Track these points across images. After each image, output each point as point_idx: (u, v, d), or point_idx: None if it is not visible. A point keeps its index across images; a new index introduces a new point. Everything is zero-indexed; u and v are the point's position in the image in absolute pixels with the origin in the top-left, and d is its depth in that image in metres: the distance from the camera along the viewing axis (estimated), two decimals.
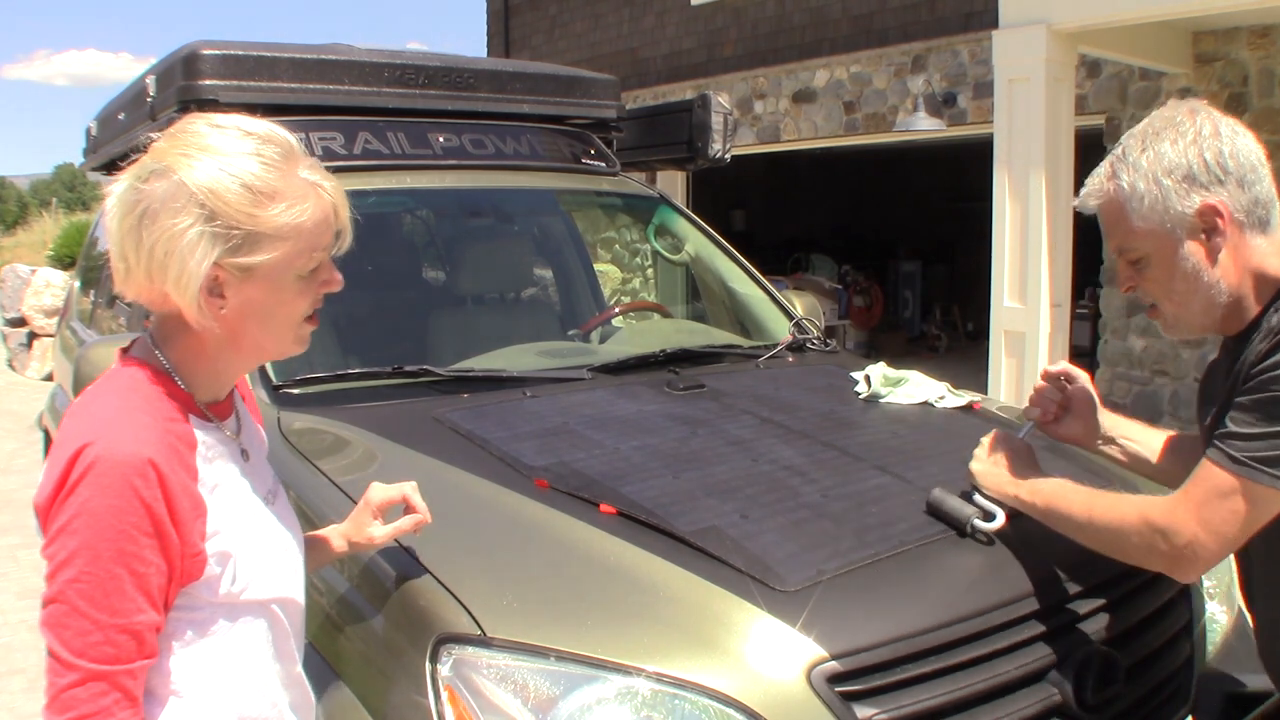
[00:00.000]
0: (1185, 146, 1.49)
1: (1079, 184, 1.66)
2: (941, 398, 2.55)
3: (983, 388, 5.13)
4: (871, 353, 10.88)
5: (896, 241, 14.32)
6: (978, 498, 1.78)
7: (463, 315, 3.25)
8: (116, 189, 1.22)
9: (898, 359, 3.47)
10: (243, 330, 1.25)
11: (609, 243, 11.36)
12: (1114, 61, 6.98)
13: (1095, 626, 1.75)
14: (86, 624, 1.11)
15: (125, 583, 1.13)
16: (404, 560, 1.62)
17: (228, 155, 1.20)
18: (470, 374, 2.47)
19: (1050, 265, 5.48)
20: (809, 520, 1.78)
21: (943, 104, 8.16)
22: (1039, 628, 1.68)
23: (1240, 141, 1.51)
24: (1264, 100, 6.54)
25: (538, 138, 3.29)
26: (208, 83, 2.74)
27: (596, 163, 3.39)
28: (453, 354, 2.67)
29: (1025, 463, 1.76)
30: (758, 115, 9.93)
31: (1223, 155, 1.48)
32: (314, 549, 1.55)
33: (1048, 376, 1.88)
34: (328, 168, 1.32)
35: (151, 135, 1.27)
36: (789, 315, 3.19)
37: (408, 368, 2.43)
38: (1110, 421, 1.87)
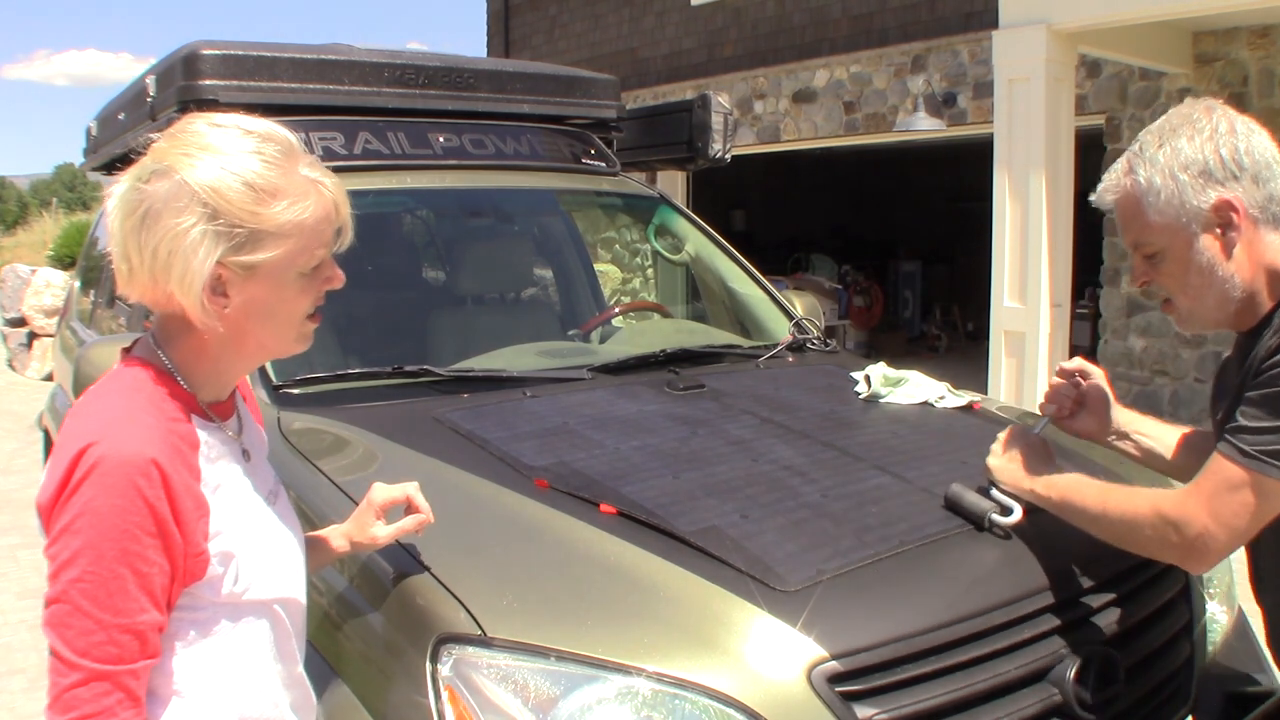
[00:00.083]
0: (1202, 143, 1.52)
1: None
2: (941, 398, 2.55)
3: (983, 388, 5.13)
4: (871, 353, 10.88)
5: (896, 241, 14.32)
6: (995, 493, 1.81)
7: (463, 315, 3.25)
8: (118, 190, 1.22)
9: (898, 359, 3.47)
10: (246, 329, 1.25)
11: (609, 243, 11.36)
12: (1114, 61, 6.99)
13: (1095, 626, 1.75)
14: (89, 624, 1.11)
15: (128, 582, 1.13)
16: (404, 560, 1.62)
17: (229, 154, 1.20)
18: (470, 374, 2.47)
19: (1050, 265, 5.48)
20: (809, 520, 1.78)
21: (943, 104, 8.17)
22: (1039, 628, 1.68)
23: (1256, 139, 1.54)
24: (1264, 100, 6.54)
25: (538, 138, 3.29)
26: (208, 83, 2.74)
27: (596, 163, 3.39)
28: (453, 354, 2.67)
29: (1041, 458, 1.79)
30: (758, 115, 9.93)
31: (1238, 152, 1.51)
32: (315, 549, 1.55)
33: (1063, 373, 1.90)
34: (328, 168, 1.32)
35: (152, 135, 1.27)
36: (789, 315, 3.19)
37: (408, 368, 2.43)
38: (1125, 417, 1.89)
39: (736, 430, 2.19)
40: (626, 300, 10.36)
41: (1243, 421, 1.48)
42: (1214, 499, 1.48)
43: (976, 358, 8.25)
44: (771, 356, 2.86)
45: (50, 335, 9.45)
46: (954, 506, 1.83)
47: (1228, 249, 1.53)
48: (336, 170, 1.35)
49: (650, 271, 11.19)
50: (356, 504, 1.62)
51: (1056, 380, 1.90)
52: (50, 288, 11.04)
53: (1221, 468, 1.48)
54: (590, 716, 1.40)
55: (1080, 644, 1.70)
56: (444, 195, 3.19)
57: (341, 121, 2.92)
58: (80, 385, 2.01)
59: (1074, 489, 1.70)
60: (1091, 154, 7.25)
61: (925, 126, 7.85)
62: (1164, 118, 1.60)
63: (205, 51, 2.77)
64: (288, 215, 1.22)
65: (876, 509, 1.84)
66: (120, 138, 3.59)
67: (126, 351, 1.30)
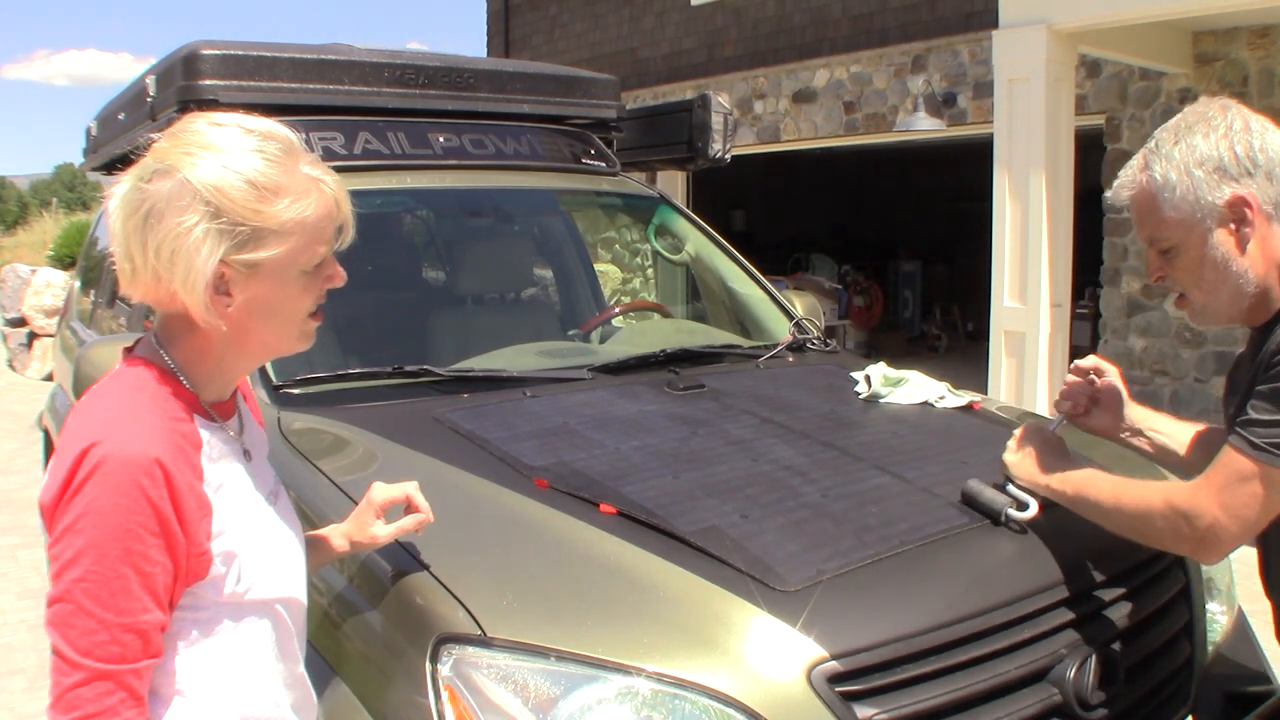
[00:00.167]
0: (1217, 140, 1.55)
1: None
2: (941, 398, 2.55)
3: (983, 388, 5.13)
4: (871, 353, 10.88)
5: (896, 241, 14.32)
6: (1011, 488, 1.84)
7: (463, 315, 3.25)
8: (119, 190, 1.22)
9: (898, 359, 3.47)
10: (249, 327, 1.25)
11: (609, 243, 11.36)
12: (1114, 61, 6.99)
13: (1095, 627, 1.75)
14: (92, 623, 1.11)
15: (131, 582, 1.13)
16: (404, 560, 1.62)
17: (230, 152, 1.20)
18: (470, 374, 2.47)
19: (1050, 265, 5.48)
20: (809, 520, 1.78)
21: (943, 104, 8.17)
22: (1039, 627, 1.68)
23: (1270, 137, 1.56)
24: (1264, 100, 6.54)
25: (538, 138, 3.29)
26: (208, 83, 2.74)
27: (596, 163, 3.39)
28: (453, 354, 2.67)
29: (1056, 454, 1.83)
30: (758, 115, 9.93)
31: (1253, 149, 1.54)
32: (315, 548, 1.55)
33: (1078, 370, 1.93)
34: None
35: (152, 135, 1.27)
36: (789, 315, 3.19)
37: (408, 368, 2.43)
38: (1139, 414, 1.92)
39: (736, 430, 2.19)
40: (626, 300, 10.36)
41: (1253, 415, 1.51)
42: (1224, 490, 1.51)
43: (976, 358, 8.26)
44: (771, 356, 2.86)
45: (50, 335, 9.45)
46: (971, 501, 1.86)
47: (1242, 244, 1.56)
48: (336, 170, 1.35)
49: (650, 271, 11.19)
50: (356, 504, 1.62)
51: (1072, 378, 1.94)
52: (50, 288, 11.04)
53: (1232, 460, 1.51)
54: (590, 716, 1.40)
55: (1080, 644, 1.70)
56: (444, 195, 3.19)
57: (341, 121, 2.92)
58: (80, 385, 2.01)
59: (1088, 483, 1.73)
60: (1091, 154, 7.26)
61: (925, 126, 7.85)
62: (1179, 115, 1.62)
63: (205, 51, 2.77)
64: (290, 213, 1.22)
65: (876, 509, 1.84)
66: (120, 138, 3.59)
67: (129, 351, 1.30)
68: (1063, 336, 5.66)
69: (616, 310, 4.00)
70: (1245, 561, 2.21)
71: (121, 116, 3.63)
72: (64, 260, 11.89)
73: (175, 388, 1.25)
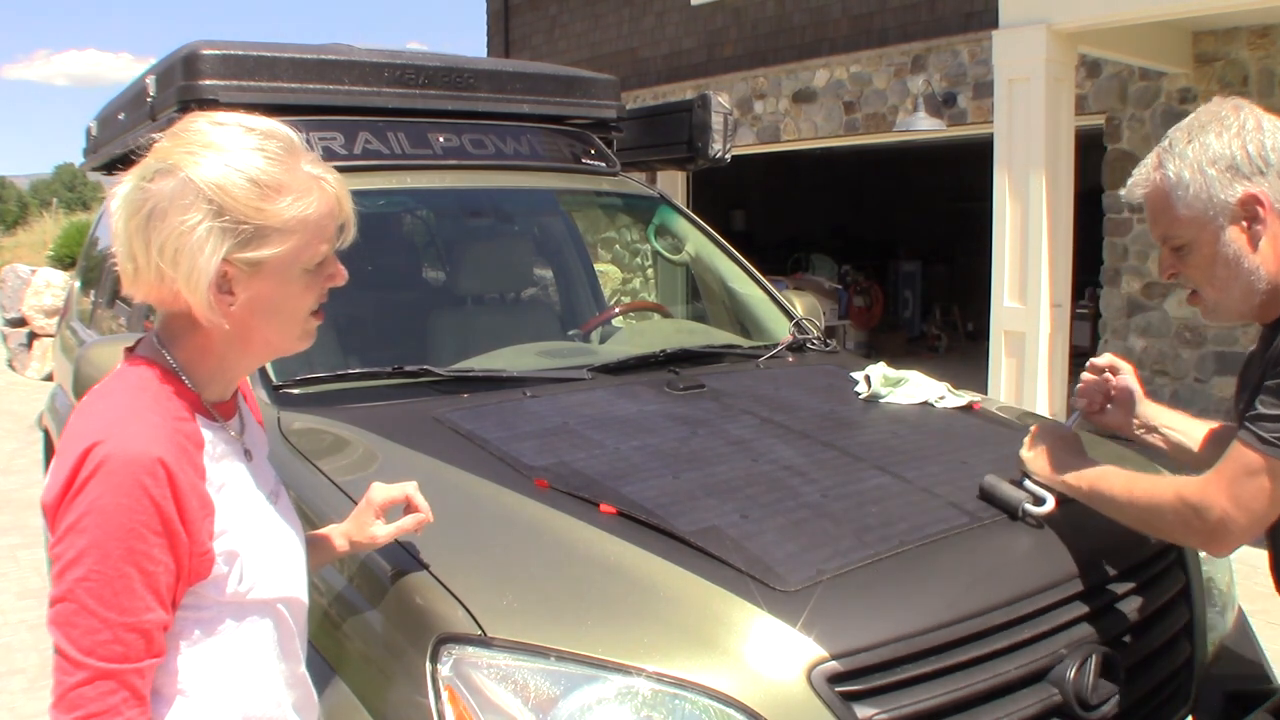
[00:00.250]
0: (1230, 139, 1.57)
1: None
2: (941, 398, 2.55)
3: (983, 388, 5.13)
4: (871, 353, 10.88)
5: (896, 241, 14.32)
6: (1028, 483, 1.88)
7: (463, 315, 3.25)
8: (121, 190, 1.22)
9: (898, 359, 3.47)
10: (251, 326, 1.25)
11: (609, 243, 11.36)
12: (1114, 61, 6.99)
13: (1095, 626, 1.76)
14: (95, 622, 1.12)
15: (134, 581, 1.13)
16: (404, 559, 1.62)
17: (233, 151, 1.21)
18: (470, 374, 2.47)
19: (1050, 265, 5.48)
20: (809, 520, 1.78)
21: (943, 104, 8.17)
22: (1039, 627, 1.68)
23: None
24: (1264, 100, 6.53)
25: (538, 138, 3.29)
26: (208, 82, 2.74)
27: (596, 163, 3.39)
28: (453, 354, 2.67)
29: (1072, 450, 1.87)
30: (758, 115, 9.93)
31: (1265, 148, 1.56)
32: (315, 548, 1.55)
33: (1094, 368, 1.97)
34: None
35: (153, 135, 1.27)
36: (789, 315, 3.19)
37: (408, 368, 2.43)
38: (1153, 411, 1.95)
39: (736, 430, 2.19)
40: (626, 300, 10.36)
41: (1261, 410, 1.53)
42: (1234, 484, 1.54)
43: (976, 358, 8.25)
44: (771, 356, 2.86)
45: (50, 335, 9.45)
46: (988, 496, 1.89)
47: (1253, 242, 1.58)
48: (336, 170, 1.35)
49: (650, 271, 11.19)
50: (356, 504, 1.62)
51: (1087, 376, 1.97)
52: (50, 288, 11.04)
53: (1241, 454, 1.54)
54: (590, 716, 1.40)
55: (1080, 644, 1.70)
56: (444, 195, 3.19)
57: (341, 121, 2.92)
58: (80, 385, 2.01)
59: (1102, 479, 1.77)
60: (1091, 154, 7.26)
61: (925, 126, 7.85)
62: (1193, 115, 1.65)
63: (205, 51, 2.77)
64: (292, 211, 1.22)
65: (876, 509, 1.84)
66: (120, 138, 3.59)
67: (130, 351, 1.30)
68: (1063, 337, 5.66)
69: (616, 310, 4.00)
70: (1245, 561, 2.21)
71: (121, 116, 3.63)
72: (64, 260, 11.89)
73: (177, 387, 1.25)
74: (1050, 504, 1.83)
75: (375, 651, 1.62)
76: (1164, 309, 7.19)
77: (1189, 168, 1.58)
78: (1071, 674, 1.64)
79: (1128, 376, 1.95)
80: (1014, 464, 1.97)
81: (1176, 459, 1.96)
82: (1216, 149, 1.57)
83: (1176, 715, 1.92)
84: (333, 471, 1.94)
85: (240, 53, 2.82)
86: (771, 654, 1.48)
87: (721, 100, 3.57)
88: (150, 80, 3.04)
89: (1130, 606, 1.84)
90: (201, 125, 1.24)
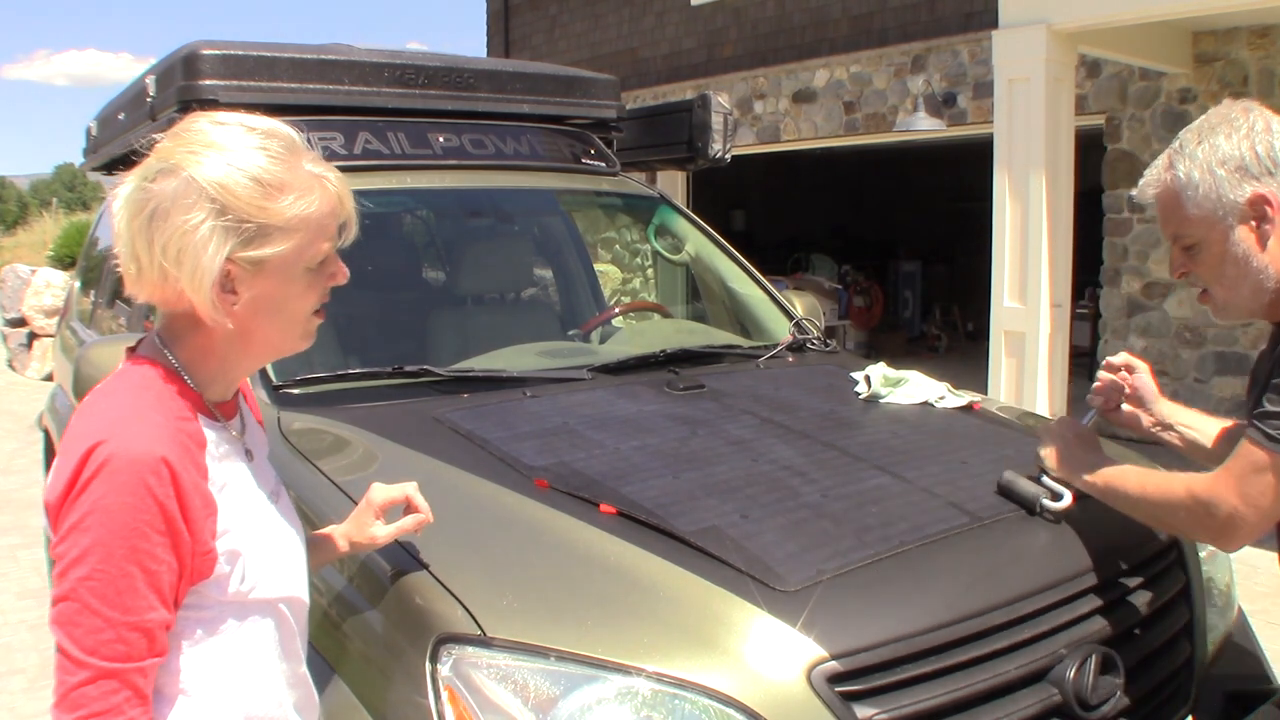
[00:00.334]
0: (1239, 140, 1.60)
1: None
2: (941, 398, 2.55)
3: (983, 388, 5.13)
4: (871, 353, 10.88)
5: (896, 241, 14.32)
6: (1045, 479, 1.91)
7: (463, 315, 3.25)
8: (123, 190, 1.22)
9: (898, 359, 3.47)
10: (254, 325, 1.25)
11: (609, 243, 11.36)
12: (1114, 61, 6.99)
13: (1095, 626, 1.76)
14: (98, 621, 1.12)
15: (137, 580, 1.13)
16: (404, 560, 1.62)
17: (234, 150, 1.21)
18: (470, 374, 2.47)
19: (1050, 265, 5.48)
20: (809, 520, 1.78)
21: (943, 104, 8.17)
22: (1039, 627, 1.68)
23: None
24: (1264, 100, 6.50)
25: (538, 138, 3.29)
26: (208, 83, 2.74)
27: (596, 163, 3.39)
28: (453, 354, 2.67)
29: (1088, 447, 1.91)
30: (758, 115, 9.93)
31: (1274, 149, 1.59)
32: (315, 549, 1.55)
33: (1110, 367, 2.00)
34: None
35: (154, 136, 1.27)
36: (789, 315, 3.19)
37: (408, 368, 2.43)
38: (1168, 409, 1.98)
39: (736, 430, 2.19)
40: (626, 300, 10.36)
41: (1269, 407, 1.56)
42: (1242, 481, 1.57)
43: (976, 358, 8.25)
44: (771, 357, 2.86)
45: (50, 335, 9.46)
46: (1006, 492, 1.93)
47: (1262, 241, 1.60)
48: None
49: (650, 271, 11.19)
50: (356, 504, 1.62)
51: (1104, 375, 2.00)
52: (50, 288, 11.04)
53: (1249, 452, 1.57)
54: (590, 716, 1.40)
55: (1080, 644, 1.70)
56: (444, 195, 3.19)
57: (341, 121, 2.92)
58: (81, 385, 2.01)
59: (1116, 475, 1.81)
60: (1091, 154, 7.26)
61: (925, 126, 7.86)
62: (1203, 116, 1.68)
63: (205, 51, 2.77)
64: (294, 210, 1.22)
65: (876, 509, 1.84)
66: (120, 138, 3.59)
67: (132, 351, 1.30)
68: (1063, 337, 5.66)
69: (616, 310, 3.99)
70: (1245, 561, 2.21)
71: (121, 117, 3.63)
72: (64, 260, 11.89)
73: (180, 387, 1.25)
74: (1068, 499, 1.86)
75: (375, 651, 1.62)
76: (1164, 309, 7.19)
77: (1199, 168, 1.61)
78: (1071, 674, 1.65)
79: (1144, 375, 1.98)
80: (1014, 463, 1.98)
81: (1192, 457, 1.99)
82: (1226, 150, 1.59)
83: (1176, 715, 1.93)
84: (333, 471, 1.94)
85: (240, 53, 2.82)
86: (771, 654, 1.48)
87: (721, 100, 3.57)
88: (150, 80, 3.04)
89: (1130, 606, 1.85)
90: (203, 125, 1.24)
